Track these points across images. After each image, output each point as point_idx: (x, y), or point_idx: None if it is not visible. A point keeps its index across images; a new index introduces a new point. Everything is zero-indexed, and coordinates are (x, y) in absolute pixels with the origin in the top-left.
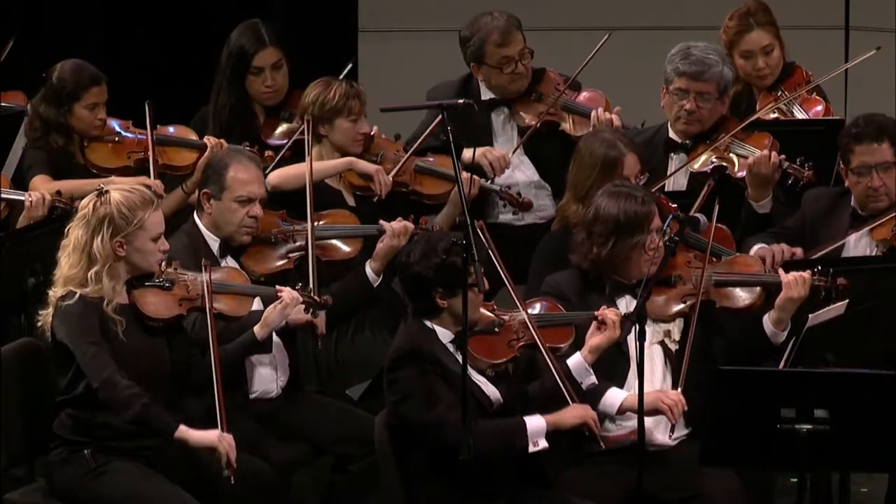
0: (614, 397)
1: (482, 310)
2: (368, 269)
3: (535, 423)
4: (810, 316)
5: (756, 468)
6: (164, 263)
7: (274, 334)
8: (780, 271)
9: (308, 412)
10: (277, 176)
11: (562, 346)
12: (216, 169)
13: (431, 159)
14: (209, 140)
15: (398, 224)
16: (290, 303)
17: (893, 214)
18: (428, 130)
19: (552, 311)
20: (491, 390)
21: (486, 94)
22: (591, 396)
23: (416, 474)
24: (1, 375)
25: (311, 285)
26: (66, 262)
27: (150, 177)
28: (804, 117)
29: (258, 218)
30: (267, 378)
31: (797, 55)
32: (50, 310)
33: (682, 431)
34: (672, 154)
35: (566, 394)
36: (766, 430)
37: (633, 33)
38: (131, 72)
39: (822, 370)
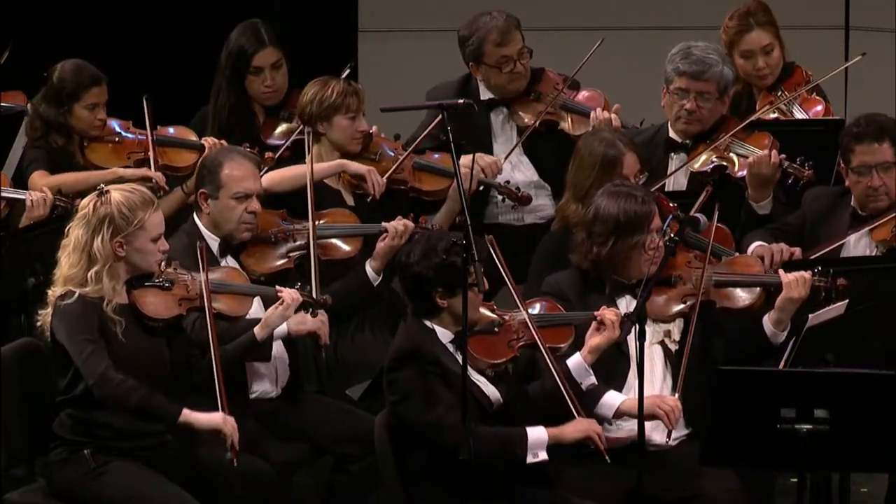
0: (612, 400)
1: (482, 309)
2: (368, 269)
3: (537, 434)
4: (810, 316)
5: (756, 468)
6: (163, 263)
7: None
8: (781, 272)
9: (308, 412)
10: (270, 178)
11: (561, 346)
12: (211, 168)
13: (436, 156)
14: (207, 141)
15: (398, 223)
16: (290, 304)
17: (893, 215)
18: (426, 131)
19: (552, 311)
20: (491, 390)
21: (485, 94)
22: (589, 399)
23: (415, 474)
24: (1, 375)
25: (310, 285)
26: (66, 261)
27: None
28: (804, 117)
29: (257, 213)
30: (267, 378)
31: (797, 55)
32: (49, 309)
33: (682, 431)
34: (672, 154)
35: (566, 395)
36: (766, 430)
37: (633, 33)
38: (131, 72)
39: (822, 370)
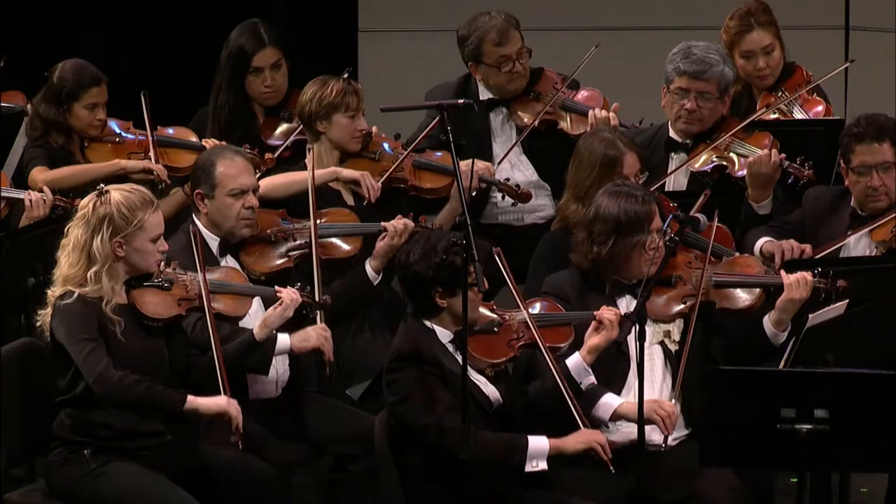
0: (609, 403)
1: (482, 309)
2: (368, 268)
3: (538, 444)
4: (810, 316)
5: (756, 468)
6: (162, 264)
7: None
8: (782, 273)
9: (308, 412)
10: (264, 185)
11: (561, 345)
12: (204, 168)
13: (438, 154)
14: (208, 143)
15: (398, 222)
16: (289, 304)
17: (893, 215)
18: (425, 132)
19: (552, 310)
20: (490, 390)
21: (484, 94)
22: (587, 400)
23: (415, 475)
24: (1, 375)
25: (310, 286)
26: (66, 261)
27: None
28: (805, 118)
29: (255, 208)
30: (267, 378)
31: (797, 55)
32: (49, 309)
33: (681, 431)
34: (672, 153)
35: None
36: (766, 430)
37: (633, 33)
38: (131, 72)
39: (822, 370)
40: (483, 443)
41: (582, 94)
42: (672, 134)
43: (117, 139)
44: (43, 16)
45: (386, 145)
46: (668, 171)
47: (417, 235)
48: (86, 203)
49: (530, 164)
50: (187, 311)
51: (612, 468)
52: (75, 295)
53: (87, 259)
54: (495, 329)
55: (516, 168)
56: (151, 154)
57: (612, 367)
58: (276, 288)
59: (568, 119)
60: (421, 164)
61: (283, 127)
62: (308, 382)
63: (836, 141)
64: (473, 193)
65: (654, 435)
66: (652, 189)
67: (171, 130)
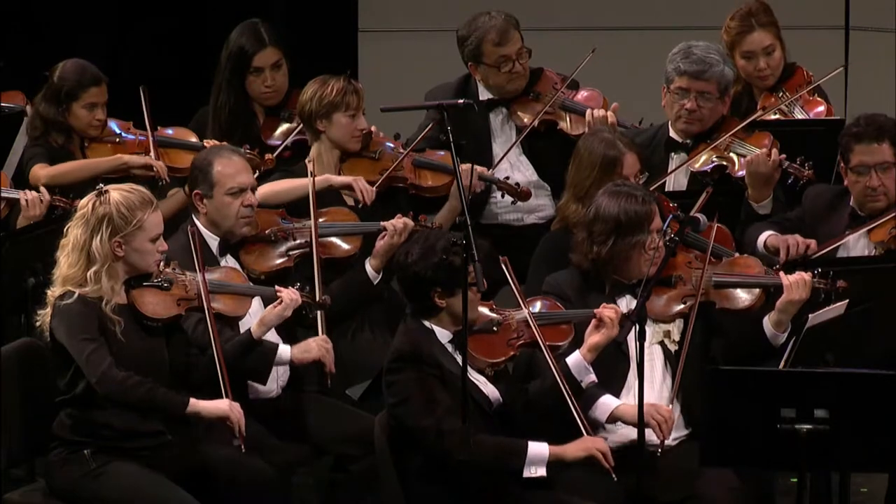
0: (606, 404)
1: (481, 308)
2: (368, 267)
3: (538, 450)
4: (810, 316)
5: (756, 468)
6: (162, 263)
7: (277, 338)
8: (781, 274)
9: (308, 412)
10: (261, 193)
11: (561, 344)
12: (202, 168)
13: (440, 153)
14: (208, 144)
15: (398, 221)
16: (289, 303)
17: (891, 216)
18: (423, 134)
19: (552, 309)
20: (490, 390)
21: (484, 95)
22: (585, 401)
23: (415, 475)
24: (1, 375)
25: (309, 286)
26: (65, 261)
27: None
28: (805, 118)
29: (254, 206)
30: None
31: (797, 55)
32: (48, 310)
33: (681, 431)
34: (673, 153)
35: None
36: (766, 430)
37: (633, 33)
38: (131, 72)
39: (822, 370)
40: (482, 446)
41: (582, 95)
42: (672, 134)
43: (117, 139)
44: (43, 16)
45: (389, 144)
46: (668, 171)
47: (416, 235)
48: (85, 203)
49: (530, 164)
50: (187, 311)
51: (613, 476)
52: (75, 295)
53: (87, 259)
54: (494, 328)
55: (516, 168)
56: (152, 152)
57: (612, 367)
58: (277, 288)
59: (568, 119)
60: (421, 163)
61: (283, 127)
62: (308, 382)
63: (836, 141)
64: (478, 190)
65: (651, 436)
66: (652, 189)
67: (170, 131)
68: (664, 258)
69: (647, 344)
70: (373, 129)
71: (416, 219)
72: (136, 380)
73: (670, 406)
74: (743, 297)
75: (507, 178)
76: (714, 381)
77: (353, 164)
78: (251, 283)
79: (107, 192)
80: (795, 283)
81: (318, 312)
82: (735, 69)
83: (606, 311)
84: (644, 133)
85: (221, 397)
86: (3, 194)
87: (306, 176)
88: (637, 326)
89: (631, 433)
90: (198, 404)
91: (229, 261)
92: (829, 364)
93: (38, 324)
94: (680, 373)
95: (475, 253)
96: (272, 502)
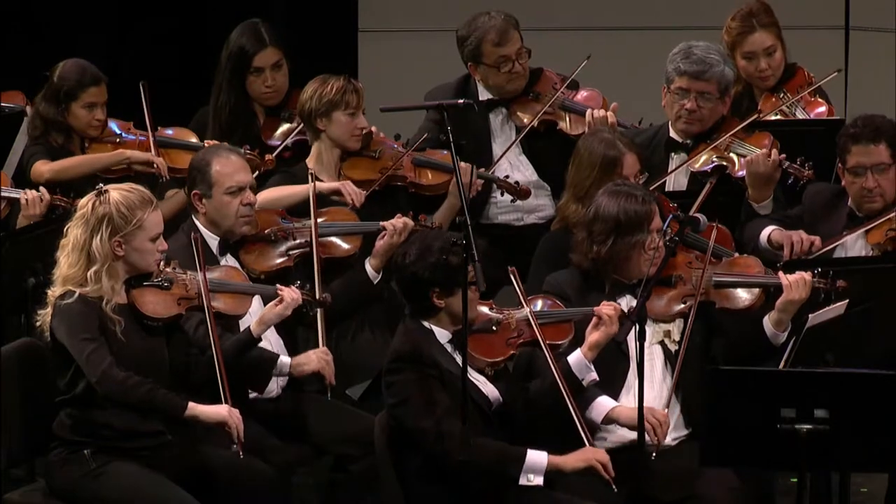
0: (601, 406)
1: (479, 308)
2: (368, 267)
3: (536, 458)
4: (810, 316)
5: (756, 468)
6: (162, 263)
7: (276, 337)
8: (781, 273)
9: (308, 412)
10: (261, 200)
11: (561, 342)
12: (200, 168)
13: (443, 152)
14: (208, 144)
15: (397, 221)
16: (289, 302)
17: (887, 218)
18: (424, 136)
19: (553, 308)
20: (490, 389)
21: (484, 95)
22: (583, 401)
23: (415, 475)
24: (1, 375)
25: (310, 284)
26: (66, 261)
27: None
28: (806, 118)
29: (253, 204)
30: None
31: (797, 55)
32: (48, 309)
33: (681, 431)
34: (673, 153)
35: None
36: (766, 430)
37: (632, 33)
38: (131, 72)
39: (822, 370)
40: (481, 449)
41: (581, 95)
42: (672, 134)
43: (118, 140)
44: (43, 16)
45: (387, 144)
46: (668, 171)
47: (413, 236)
48: (85, 203)
49: (530, 164)
50: (187, 311)
51: (614, 487)
52: (76, 295)
53: (87, 259)
54: (494, 328)
55: (516, 168)
56: (152, 147)
57: (612, 366)
58: (278, 287)
59: (567, 119)
60: (421, 162)
61: (283, 127)
62: (308, 382)
63: (836, 141)
64: (479, 187)
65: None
66: (652, 189)
67: (170, 131)
68: (664, 258)
69: (647, 344)
70: (373, 129)
71: (416, 218)
72: (136, 380)
73: (666, 410)
74: (743, 296)
75: (507, 176)
76: (714, 381)
77: (354, 163)
78: (251, 283)
79: (106, 191)
80: (795, 283)
81: (318, 311)
82: (735, 69)
83: (605, 308)
84: (644, 133)
85: (221, 400)
86: (4, 194)
87: (307, 176)
88: (637, 326)
89: (627, 434)
90: (196, 408)
91: (229, 260)
92: (829, 364)
93: (38, 324)
94: (678, 372)
95: (475, 253)
96: (272, 502)
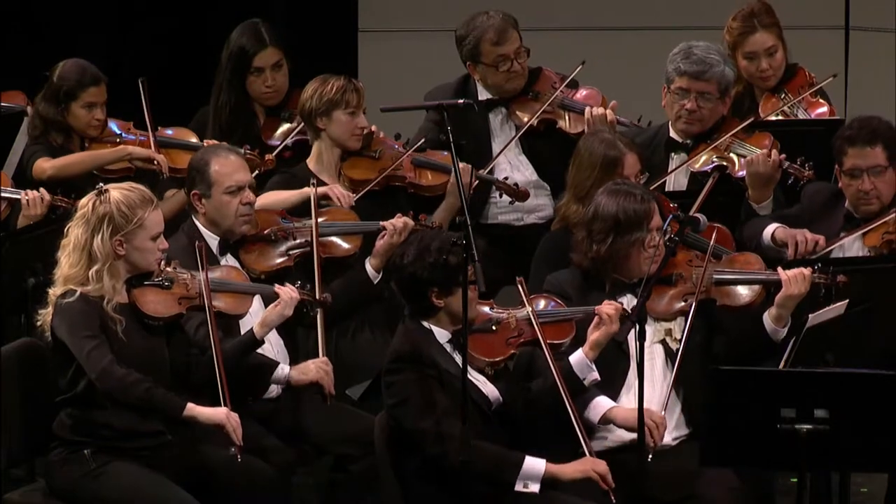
0: (599, 406)
1: (479, 307)
2: (368, 267)
3: (534, 465)
4: (810, 316)
5: (756, 468)
6: (163, 262)
7: (277, 338)
8: (780, 269)
9: (308, 412)
10: (260, 203)
11: (562, 342)
12: (199, 168)
13: (444, 153)
14: (208, 144)
15: (397, 220)
16: (288, 302)
17: (883, 221)
18: (424, 138)
19: (554, 307)
20: (489, 389)
21: (483, 94)
22: (581, 401)
23: (415, 475)
24: (1, 375)
25: (310, 284)
26: (66, 261)
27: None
28: (806, 118)
29: (252, 204)
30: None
31: (797, 55)
32: (49, 309)
33: (681, 431)
34: (673, 153)
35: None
36: (766, 430)
37: (633, 33)
38: (131, 72)
39: (822, 370)
40: (480, 452)
41: (581, 94)
42: (672, 134)
43: (118, 140)
44: (43, 16)
45: (387, 144)
46: (669, 171)
47: (411, 237)
48: (85, 202)
49: (529, 163)
50: (188, 310)
51: (613, 499)
52: (77, 293)
53: (88, 258)
54: (493, 327)
55: (515, 168)
56: (152, 145)
57: (613, 366)
58: (276, 286)
59: (567, 118)
60: (421, 163)
61: (283, 127)
62: (307, 392)
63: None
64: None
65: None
66: (652, 189)
67: (170, 131)
68: (664, 258)
69: (648, 343)
70: (373, 128)
71: (416, 218)
72: (135, 377)
73: (664, 411)
74: (743, 293)
75: (507, 178)
76: (714, 380)
77: (354, 162)
78: (252, 282)
79: (107, 191)
80: (794, 278)
81: (319, 315)
82: (736, 70)
83: (605, 307)
84: (644, 133)
85: (224, 396)
86: (4, 194)
87: (306, 176)
88: (637, 326)
89: (626, 434)
90: (195, 409)
91: (229, 260)
92: (829, 364)
93: (38, 323)
94: (677, 371)
95: (475, 253)
96: (272, 502)
